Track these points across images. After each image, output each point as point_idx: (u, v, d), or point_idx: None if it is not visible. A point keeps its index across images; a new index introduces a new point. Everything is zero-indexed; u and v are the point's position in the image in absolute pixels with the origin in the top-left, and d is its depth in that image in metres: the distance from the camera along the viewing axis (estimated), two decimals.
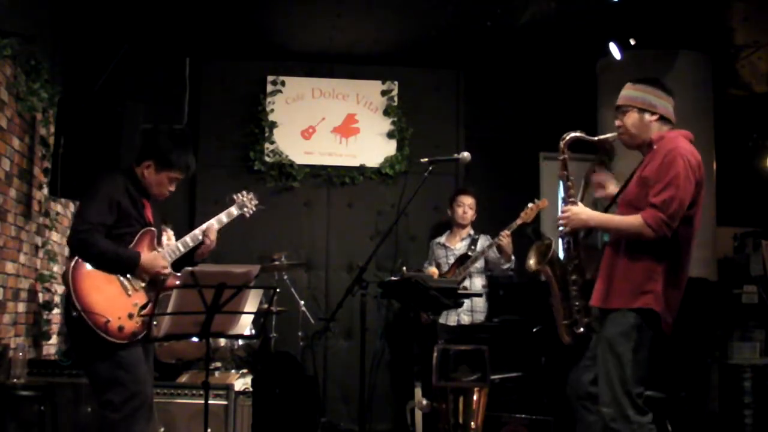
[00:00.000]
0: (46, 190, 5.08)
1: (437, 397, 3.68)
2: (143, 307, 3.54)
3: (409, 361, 5.82)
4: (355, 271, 5.46)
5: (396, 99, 6.84)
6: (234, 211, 4.05)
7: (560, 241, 3.63)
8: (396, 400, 6.42)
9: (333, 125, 6.80)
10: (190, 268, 3.36)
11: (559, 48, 6.37)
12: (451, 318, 5.63)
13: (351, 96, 6.84)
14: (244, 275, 3.45)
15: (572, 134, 3.57)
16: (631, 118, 3.44)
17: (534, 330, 4.92)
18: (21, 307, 4.79)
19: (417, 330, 5.21)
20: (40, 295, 5.09)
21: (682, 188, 3.22)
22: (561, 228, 3.52)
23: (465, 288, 5.44)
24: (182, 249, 3.78)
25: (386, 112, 6.82)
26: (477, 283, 5.67)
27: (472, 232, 5.89)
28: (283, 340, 5.91)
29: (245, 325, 3.67)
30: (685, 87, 6.22)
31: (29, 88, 4.67)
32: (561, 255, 3.75)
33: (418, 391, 4.21)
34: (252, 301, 3.55)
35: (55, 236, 5.34)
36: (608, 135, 3.59)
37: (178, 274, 3.59)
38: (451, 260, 5.73)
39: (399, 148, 6.77)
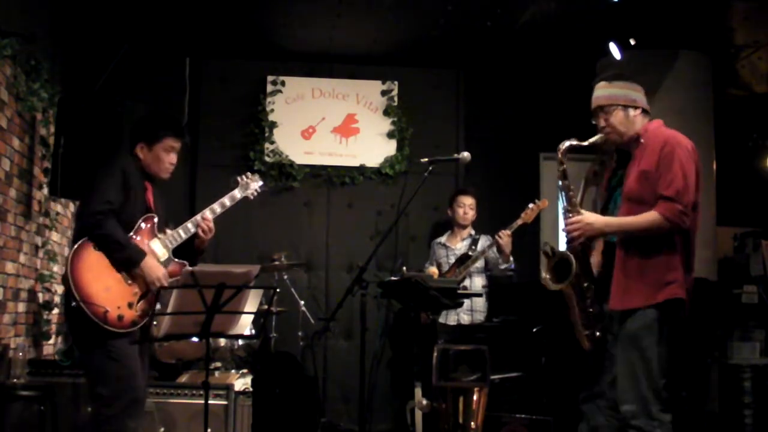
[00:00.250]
0: (46, 190, 5.08)
1: (437, 397, 3.68)
2: (143, 296, 3.57)
3: (409, 361, 5.81)
4: (355, 271, 5.45)
5: (396, 99, 6.83)
6: (237, 194, 4.02)
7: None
8: (396, 400, 6.41)
9: (333, 125, 6.80)
10: (190, 268, 3.37)
11: (559, 48, 6.36)
12: (451, 318, 5.64)
13: (351, 96, 6.84)
14: (244, 275, 3.46)
15: (567, 143, 3.55)
16: (617, 117, 3.45)
17: (534, 330, 4.93)
18: (21, 307, 4.79)
19: (417, 330, 5.21)
20: (40, 295, 5.09)
21: (689, 176, 3.26)
22: (571, 238, 3.45)
23: (465, 288, 5.44)
24: (183, 235, 3.81)
25: (386, 112, 6.82)
26: (477, 282, 5.67)
27: (473, 232, 5.89)
28: (283, 340, 5.91)
29: (245, 325, 3.67)
30: (685, 87, 6.24)
31: (29, 88, 4.67)
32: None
33: (418, 391, 4.20)
34: (252, 301, 3.56)
35: (55, 236, 5.33)
36: (595, 138, 3.56)
37: (184, 264, 3.68)
38: (452, 260, 5.73)
39: (399, 148, 6.77)
